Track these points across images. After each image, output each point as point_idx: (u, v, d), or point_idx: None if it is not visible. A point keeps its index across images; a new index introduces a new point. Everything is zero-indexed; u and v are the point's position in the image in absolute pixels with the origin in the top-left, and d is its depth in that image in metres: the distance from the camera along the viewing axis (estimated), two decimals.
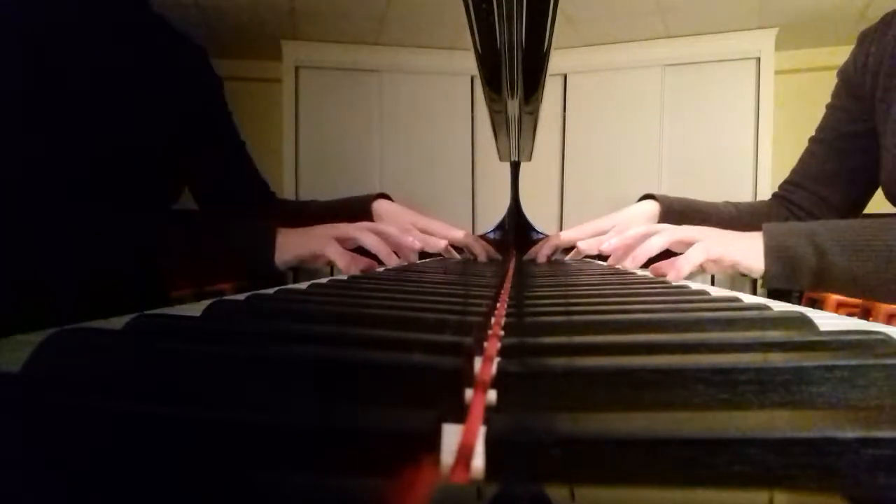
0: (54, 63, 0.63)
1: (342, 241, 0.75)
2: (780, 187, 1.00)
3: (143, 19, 0.77)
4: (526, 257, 1.10)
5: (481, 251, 1.00)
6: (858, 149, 0.90)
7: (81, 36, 0.67)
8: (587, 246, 0.96)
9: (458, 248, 1.03)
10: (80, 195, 0.65)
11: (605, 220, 0.97)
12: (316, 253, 0.72)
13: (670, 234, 0.79)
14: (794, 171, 0.99)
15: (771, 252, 0.69)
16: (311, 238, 0.73)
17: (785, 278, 0.69)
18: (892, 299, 0.67)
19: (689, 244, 0.75)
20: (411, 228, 0.90)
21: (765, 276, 0.70)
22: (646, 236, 0.80)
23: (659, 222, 0.91)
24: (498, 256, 1.03)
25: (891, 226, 0.66)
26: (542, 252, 1.06)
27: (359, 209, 0.92)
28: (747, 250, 0.71)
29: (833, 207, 0.94)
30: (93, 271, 0.63)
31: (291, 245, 0.70)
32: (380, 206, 0.93)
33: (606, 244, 0.88)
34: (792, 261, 0.68)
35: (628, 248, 0.84)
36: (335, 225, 0.77)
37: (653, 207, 0.95)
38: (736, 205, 0.99)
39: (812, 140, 0.98)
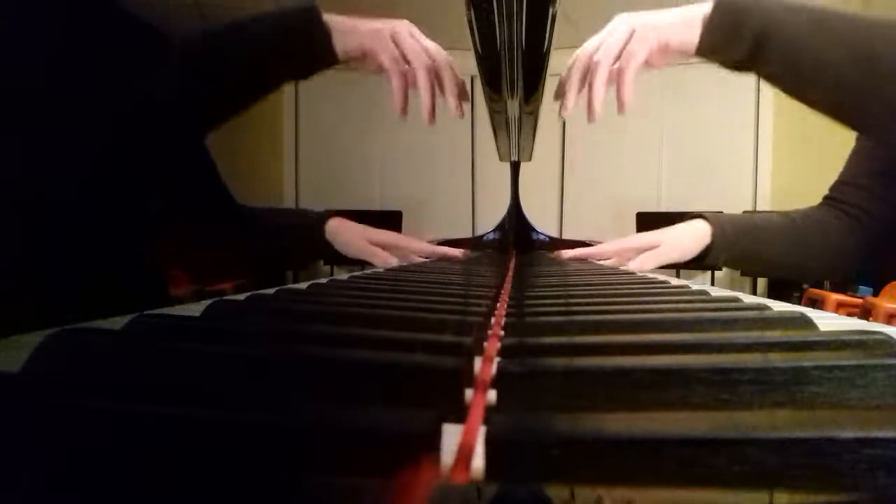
0: (49, 64, 0.63)
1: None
2: (832, 189, 0.93)
3: (114, 16, 0.76)
4: (554, 256, 1.06)
5: (436, 254, 0.97)
6: None
7: (70, 37, 0.67)
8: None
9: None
10: (79, 194, 0.65)
11: (652, 235, 0.90)
12: (374, 49, 0.64)
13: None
14: (844, 171, 0.92)
15: (715, 11, 0.61)
16: (369, 28, 0.65)
17: (722, 43, 0.61)
18: (822, 97, 0.59)
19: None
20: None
21: (700, 44, 0.62)
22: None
23: (712, 243, 0.85)
24: (458, 255, 0.98)
25: (859, 17, 0.58)
26: (573, 255, 1.02)
27: (313, 231, 0.87)
28: (679, 16, 0.63)
29: (891, 204, 0.86)
30: (93, 271, 0.63)
31: (349, 32, 0.63)
32: (332, 225, 0.90)
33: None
34: (735, 16, 0.60)
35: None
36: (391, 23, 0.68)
37: (704, 228, 0.88)
38: (787, 213, 0.92)
39: (860, 137, 0.90)
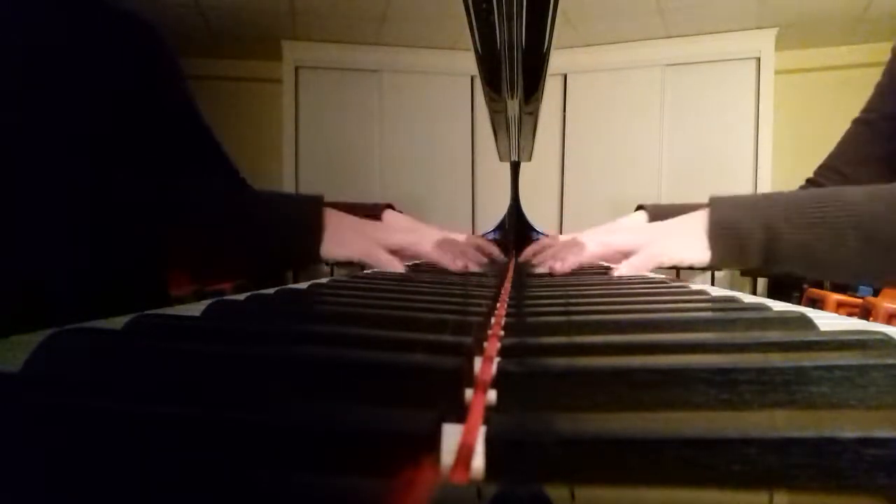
0: (40, 66, 0.63)
1: (398, 252, 0.70)
2: (816, 173, 0.91)
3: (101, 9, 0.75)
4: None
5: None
6: None
7: (56, 29, 0.67)
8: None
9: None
10: (79, 192, 0.65)
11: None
12: (364, 260, 0.67)
13: (595, 250, 0.75)
14: (831, 155, 0.91)
15: (715, 233, 0.65)
16: (362, 242, 0.67)
17: (733, 260, 0.66)
18: (846, 277, 0.60)
19: (626, 254, 0.72)
20: (468, 250, 0.81)
21: (712, 261, 0.66)
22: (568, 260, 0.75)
23: None
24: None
25: (843, 196, 0.60)
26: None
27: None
28: (688, 240, 0.67)
29: None
30: (92, 270, 0.63)
31: (341, 243, 0.65)
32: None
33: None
34: (738, 240, 0.64)
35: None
36: (396, 231, 0.71)
37: (643, 219, 0.89)
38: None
39: (855, 121, 0.89)
